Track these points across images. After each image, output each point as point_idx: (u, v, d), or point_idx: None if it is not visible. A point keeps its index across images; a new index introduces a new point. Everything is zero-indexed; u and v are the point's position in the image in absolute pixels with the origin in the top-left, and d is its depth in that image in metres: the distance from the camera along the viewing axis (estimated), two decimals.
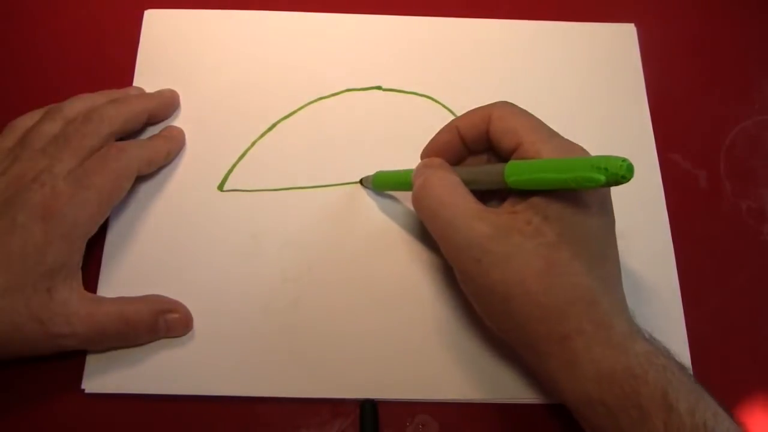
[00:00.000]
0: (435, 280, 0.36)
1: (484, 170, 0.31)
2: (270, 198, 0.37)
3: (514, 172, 0.28)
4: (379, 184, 0.37)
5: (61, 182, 0.31)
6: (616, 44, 0.43)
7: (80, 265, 0.32)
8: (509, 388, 0.33)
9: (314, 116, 0.40)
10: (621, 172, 0.24)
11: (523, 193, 0.29)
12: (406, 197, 0.37)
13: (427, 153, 0.34)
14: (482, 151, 0.33)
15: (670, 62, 0.43)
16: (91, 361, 0.33)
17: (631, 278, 0.36)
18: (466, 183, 0.31)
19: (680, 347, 0.34)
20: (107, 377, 0.33)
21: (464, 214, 0.29)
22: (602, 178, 0.25)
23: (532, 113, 0.41)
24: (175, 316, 0.33)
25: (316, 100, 0.40)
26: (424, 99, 0.41)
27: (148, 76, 0.40)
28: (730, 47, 0.44)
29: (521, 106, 0.40)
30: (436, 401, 0.33)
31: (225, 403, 0.33)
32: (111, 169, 0.33)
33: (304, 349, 0.34)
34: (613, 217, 0.30)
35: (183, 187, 0.37)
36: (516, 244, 0.28)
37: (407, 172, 0.33)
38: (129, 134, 0.37)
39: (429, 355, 0.34)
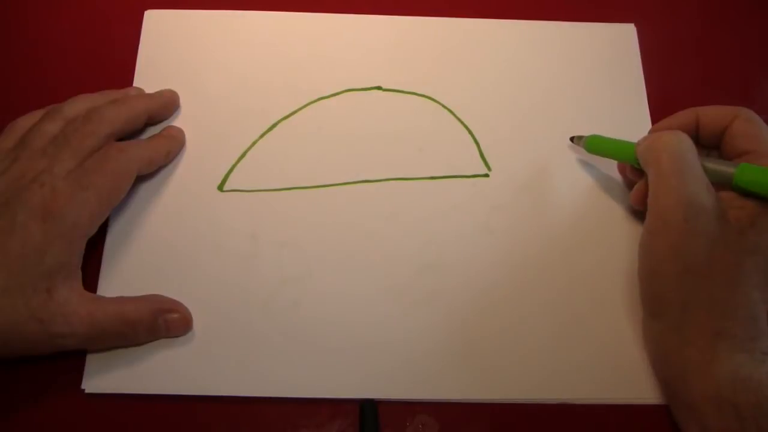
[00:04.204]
0: (434, 280, 0.35)
1: (713, 160, 0.32)
2: (270, 198, 0.37)
3: (747, 171, 0.30)
4: (593, 147, 0.37)
5: (60, 182, 0.31)
6: (616, 44, 0.43)
7: (80, 265, 0.32)
8: (509, 388, 0.33)
9: (314, 116, 0.40)
10: None
11: (740, 194, 0.31)
12: (407, 196, 0.38)
13: (661, 128, 0.35)
14: (708, 147, 0.35)
15: (670, 62, 0.43)
16: (91, 361, 0.33)
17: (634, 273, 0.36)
18: None
19: None
20: (107, 377, 0.33)
21: (700, 176, 0.31)
22: None
23: (532, 113, 0.41)
24: (175, 315, 0.33)
25: (316, 100, 0.40)
26: (424, 99, 0.41)
27: (148, 77, 0.40)
28: (730, 47, 0.44)
29: (522, 106, 0.40)
30: (437, 401, 0.33)
31: (225, 403, 0.33)
32: (111, 169, 0.33)
33: (304, 349, 0.34)
34: None
35: (183, 187, 0.37)
36: (720, 231, 0.30)
37: (629, 144, 0.35)
38: (129, 134, 0.37)
39: (429, 355, 0.34)
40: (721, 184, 0.31)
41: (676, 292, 0.30)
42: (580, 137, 0.38)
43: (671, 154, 0.31)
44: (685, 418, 0.30)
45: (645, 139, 0.34)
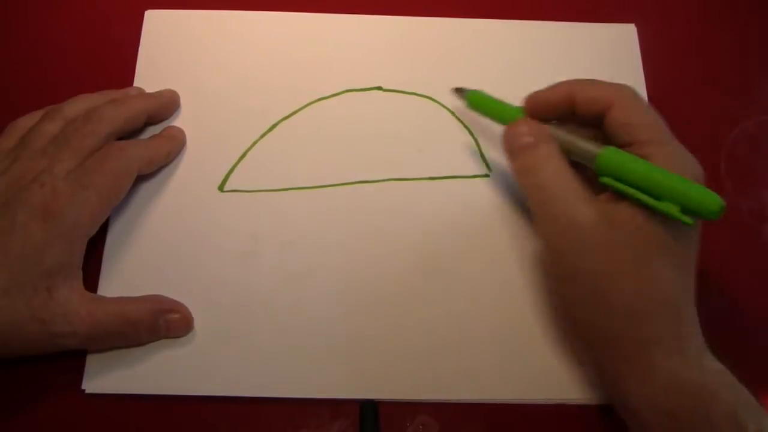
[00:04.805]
0: (436, 280, 0.35)
1: (581, 147, 0.31)
2: (270, 198, 0.37)
3: (607, 167, 0.29)
4: (475, 104, 0.37)
5: (61, 182, 0.31)
6: (616, 44, 0.43)
7: (80, 265, 0.32)
8: (510, 388, 0.33)
9: (314, 116, 0.40)
10: (712, 217, 0.27)
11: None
12: (408, 197, 0.38)
13: (533, 103, 0.33)
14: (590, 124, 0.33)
15: (670, 62, 0.43)
16: (91, 361, 0.33)
17: None
18: (563, 149, 0.31)
19: None
20: (107, 377, 0.33)
21: (572, 194, 0.29)
22: (690, 221, 0.27)
23: None
24: (176, 316, 0.33)
25: (316, 100, 0.40)
26: (424, 99, 0.41)
27: (148, 77, 0.40)
28: (730, 47, 0.44)
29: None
30: (437, 401, 0.33)
31: (225, 403, 0.33)
32: (111, 169, 0.33)
33: (305, 349, 0.34)
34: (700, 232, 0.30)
35: (183, 187, 0.37)
36: (615, 239, 0.28)
37: (510, 108, 0.34)
38: (129, 134, 0.37)
39: (429, 355, 0.34)
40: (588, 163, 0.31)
41: (591, 313, 0.29)
42: (462, 89, 0.38)
43: (537, 184, 0.30)
44: (627, 419, 0.29)
45: (509, 138, 0.33)
